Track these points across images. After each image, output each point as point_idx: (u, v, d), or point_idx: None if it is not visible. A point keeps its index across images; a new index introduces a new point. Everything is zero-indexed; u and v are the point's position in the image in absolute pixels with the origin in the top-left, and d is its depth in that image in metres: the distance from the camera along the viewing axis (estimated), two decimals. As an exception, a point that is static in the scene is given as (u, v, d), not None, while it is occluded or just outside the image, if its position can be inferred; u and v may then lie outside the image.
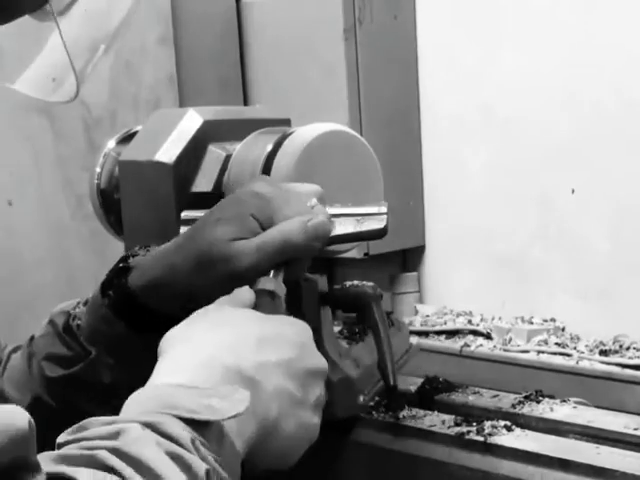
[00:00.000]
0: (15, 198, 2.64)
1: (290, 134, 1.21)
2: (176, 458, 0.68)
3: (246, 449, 0.80)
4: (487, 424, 1.13)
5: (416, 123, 3.07)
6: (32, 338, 1.20)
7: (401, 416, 1.19)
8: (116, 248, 1.48)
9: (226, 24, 3.19)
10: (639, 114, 2.52)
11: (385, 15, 2.96)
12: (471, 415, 1.19)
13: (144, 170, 1.26)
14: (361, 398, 1.17)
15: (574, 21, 2.63)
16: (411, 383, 1.33)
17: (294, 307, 1.11)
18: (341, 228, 1.09)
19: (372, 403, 1.23)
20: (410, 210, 3.08)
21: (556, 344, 2.60)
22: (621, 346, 2.49)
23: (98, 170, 1.42)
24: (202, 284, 1.02)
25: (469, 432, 1.12)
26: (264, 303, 0.95)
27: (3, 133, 2.61)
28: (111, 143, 1.44)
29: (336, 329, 1.36)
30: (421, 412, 1.20)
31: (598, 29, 2.58)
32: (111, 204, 1.39)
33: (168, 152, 1.24)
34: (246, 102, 3.24)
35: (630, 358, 2.42)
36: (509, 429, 1.12)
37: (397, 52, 3.01)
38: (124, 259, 1.13)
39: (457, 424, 1.15)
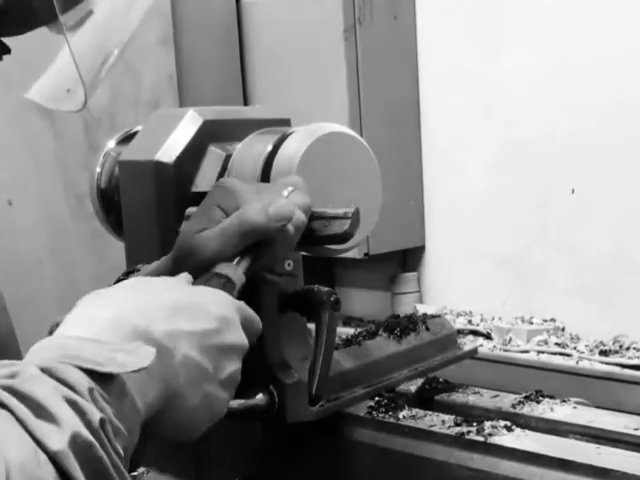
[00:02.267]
0: (15, 198, 2.64)
1: (290, 134, 1.21)
2: (71, 402, 0.67)
3: (149, 412, 0.78)
4: (487, 424, 1.13)
5: (416, 123, 3.08)
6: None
7: (401, 416, 1.19)
8: (116, 248, 1.49)
9: (226, 25, 3.19)
10: (639, 115, 2.52)
11: (385, 15, 2.97)
12: (471, 415, 1.19)
13: (144, 170, 1.26)
14: (320, 403, 1.14)
15: (574, 22, 2.63)
16: (411, 383, 1.33)
17: (254, 308, 1.11)
18: (306, 230, 1.08)
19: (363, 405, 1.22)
20: (410, 210, 3.08)
21: (556, 344, 2.60)
22: (621, 346, 2.49)
23: (98, 170, 1.41)
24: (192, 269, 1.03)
25: (469, 432, 1.12)
26: (216, 286, 0.95)
27: (3, 133, 2.61)
28: (111, 143, 1.44)
29: (350, 331, 1.34)
30: (421, 412, 1.20)
31: (598, 30, 2.58)
32: (111, 204, 1.39)
33: (168, 152, 1.24)
34: (246, 102, 3.24)
35: (630, 358, 2.42)
36: (509, 429, 1.12)
37: (397, 52, 3.01)
38: (127, 273, 1.15)
39: (457, 424, 1.15)
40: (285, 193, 1.07)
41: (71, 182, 2.71)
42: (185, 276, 0.94)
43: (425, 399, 1.30)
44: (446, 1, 2.96)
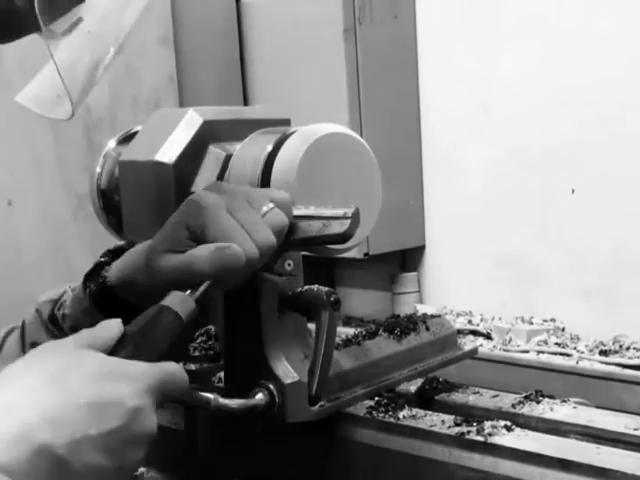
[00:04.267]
0: (15, 198, 2.64)
1: (290, 134, 1.20)
2: None
3: None
4: (487, 424, 1.13)
5: (416, 123, 3.08)
6: (23, 323, 1.23)
7: (401, 416, 1.19)
8: (116, 248, 1.49)
9: (226, 24, 3.19)
10: (639, 115, 2.52)
11: (385, 15, 2.97)
12: (471, 415, 1.19)
13: (144, 170, 1.25)
14: (320, 404, 1.14)
15: (574, 22, 2.63)
16: (411, 383, 1.33)
17: (253, 309, 1.10)
18: (307, 231, 1.07)
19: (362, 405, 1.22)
20: (410, 210, 3.08)
21: (556, 344, 2.60)
22: (621, 346, 2.49)
23: (98, 170, 1.41)
24: (155, 285, 1.03)
25: (469, 432, 1.12)
26: (163, 320, 0.95)
27: (3, 133, 2.61)
28: (111, 143, 1.44)
29: (350, 331, 1.34)
30: (421, 412, 1.20)
31: (598, 30, 2.58)
32: (111, 204, 1.39)
33: (168, 152, 1.24)
34: (246, 102, 3.24)
35: (630, 358, 2.42)
36: (509, 429, 1.12)
37: (397, 52, 3.01)
38: (106, 254, 1.16)
39: (457, 424, 1.15)
40: (265, 208, 1.05)
41: (71, 182, 2.71)
42: (104, 338, 0.92)
43: (425, 399, 1.30)
44: (446, 1, 2.96)
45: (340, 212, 1.06)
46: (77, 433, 0.81)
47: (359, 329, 1.33)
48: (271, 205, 1.05)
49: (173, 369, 0.92)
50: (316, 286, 1.12)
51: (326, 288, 1.10)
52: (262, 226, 1.03)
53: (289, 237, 1.08)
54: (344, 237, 1.06)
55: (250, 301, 1.10)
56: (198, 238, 1.02)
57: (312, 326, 1.13)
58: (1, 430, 0.79)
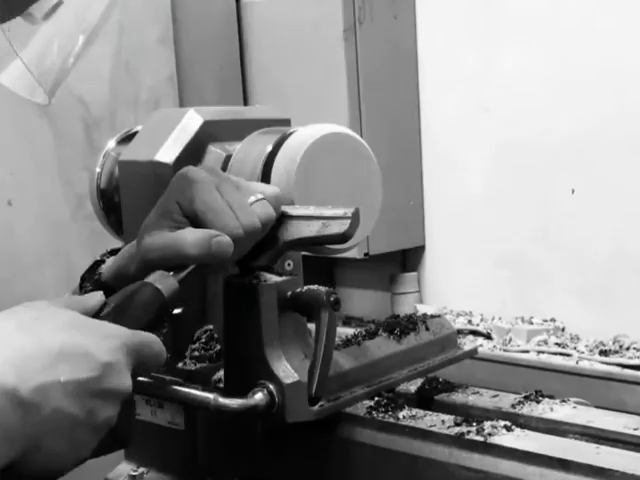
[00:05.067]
0: (15, 198, 2.64)
1: (290, 134, 1.21)
2: None
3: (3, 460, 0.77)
4: (487, 424, 1.13)
5: (416, 123, 3.08)
6: None
7: (401, 416, 1.19)
8: (116, 248, 1.49)
9: (226, 24, 3.19)
10: (639, 115, 2.52)
11: (385, 15, 2.97)
12: (471, 415, 1.19)
13: (144, 170, 1.26)
14: (320, 404, 1.14)
15: (574, 22, 2.63)
16: (411, 383, 1.33)
17: (252, 309, 1.10)
18: (307, 230, 1.08)
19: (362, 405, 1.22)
20: (410, 210, 3.08)
21: (556, 344, 2.60)
22: (621, 346, 2.49)
23: (98, 170, 1.41)
24: (144, 271, 1.02)
25: (469, 432, 1.11)
26: (144, 294, 0.95)
27: (3, 133, 2.61)
28: (111, 143, 1.44)
29: (350, 331, 1.34)
30: (421, 412, 1.20)
31: (598, 30, 2.58)
32: (111, 204, 1.39)
33: (168, 152, 1.24)
34: (246, 102, 3.24)
35: (630, 358, 2.42)
36: (509, 429, 1.12)
37: (397, 52, 3.01)
38: (104, 254, 1.17)
39: (457, 424, 1.15)
40: (253, 198, 1.04)
41: (71, 182, 2.71)
42: (83, 301, 0.93)
43: (425, 399, 1.30)
44: (446, 1, 2.96)
45: (340, 212, 1.06)
46: (45, 378, 0.80)
47: (359, 329, 1.33)
48: (260, 196, 1.05)
49: (150, 337, 0.91)
50: (316, 286, 1.12)
51: (326, 288, 1.10)
52: (249, 209, 1.03)
53: (290, 236, 1.09)
54: (344, 237, 1.06)
55: (250, 301, 1.10)
56: (187, 212, 1.02)
57: (312, 326, 1.13)
58: None
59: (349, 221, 1.05)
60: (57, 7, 1.06)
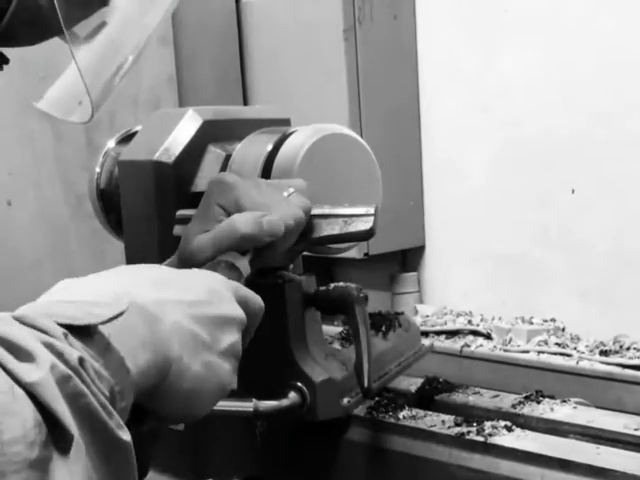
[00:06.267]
0: (15, 198, 2.64)
1: (290, 134, 1.21)
2: (47, 345, 0.63)
3: (142, 380, 0.73)
4: (487, 424, 1.13)
5: (416, 123, 3.07)
6: None
7: (401, 416, 1.19)
8: (116, 248, 1.49)
9: (226, 24, 3.19)
10: (638, 115, 2.52)
11: (385, 15, 2.97)
12: (471, 415, 1.19)
13: (144, 170, 1.26)
14: (345, 400, 1.16)
15: (574, 22, 2.63)
16: (411, 383, 1.33)
17: (278, 308, 1.11)
18: (328, 229, 1.09)
19: (362, 405, 1.22)
20: (410, 210, 3.08)
21: (556, 344, 2.60)
22: (621, 346, 2.49)
23: (98, 170, 1.42)
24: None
25: (469, 432, 1.12)
26: (221, 272, 0.94)
27: (3, 133, 2.61)
28: (111, 143, 1.44)
29: (337, 330, 1.35)
30: (421, 412, 1.20)
31: (598, 30, 2.58)
32: (111, 204, 1.39)
33: (168, 152, 1.24)
34: (246, 102, 3.24)
35: (630, 358, 2.42)
36: (509, 429, 1.12)
37: (397, 52, 3.01)
38: None
39: (457, 424, 1.15)
40: (286, 194, 1.08)
41: (71, 182, 2.71)
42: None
43: (425, 399, 1.30)
44: (446, 1, 2.96)
45: (361, 210, 1.09)
46: (157, 295, 0.79)
47: (342, 327, 1.35)
48: (291, 190, 1.09)
49: (253, 293, 0.91)
50: (341, 283, 1.15)
51: (354, 285, 1.14)
52: (289, 202, 1.07)
53: (310, 235, 1.10)
54: (370, 234, 1.09)
55: (275, 301, 1.10)
56: (232, 213, 1.04)
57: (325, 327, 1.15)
58: (76, 288, 0.80)
59: (372, 218, 1.08)
60: (101, 28, 1.06)
